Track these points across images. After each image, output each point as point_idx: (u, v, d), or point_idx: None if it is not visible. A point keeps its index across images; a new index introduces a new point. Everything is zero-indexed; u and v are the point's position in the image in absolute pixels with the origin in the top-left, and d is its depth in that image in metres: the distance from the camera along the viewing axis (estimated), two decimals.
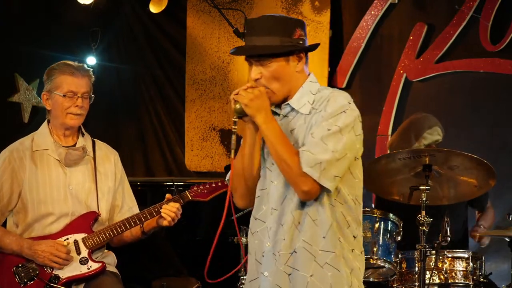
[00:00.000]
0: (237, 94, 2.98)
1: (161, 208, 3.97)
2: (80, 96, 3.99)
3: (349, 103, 2.94)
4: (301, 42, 2.98)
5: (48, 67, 4.08)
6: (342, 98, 2.95)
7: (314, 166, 2.85)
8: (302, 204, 2.93)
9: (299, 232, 2.92)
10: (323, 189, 2.89)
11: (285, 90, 3.00)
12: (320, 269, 2.90)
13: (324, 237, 2.91)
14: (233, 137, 3.00)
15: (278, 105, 3.04)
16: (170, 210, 3.96)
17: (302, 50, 3.00)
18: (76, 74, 4.00)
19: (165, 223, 3.97)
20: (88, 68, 4.10)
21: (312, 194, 2.89)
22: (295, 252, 2.92)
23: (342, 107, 2.92)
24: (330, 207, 2.92)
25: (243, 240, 4.73)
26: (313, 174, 2.85)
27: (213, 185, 4.14)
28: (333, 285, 2.90)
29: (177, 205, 3.99)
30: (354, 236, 2.97)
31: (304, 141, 2.94)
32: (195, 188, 4.12)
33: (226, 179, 3.15)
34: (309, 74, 3.05)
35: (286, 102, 3.02)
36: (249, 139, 3.03)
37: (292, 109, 3.02)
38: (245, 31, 3.03)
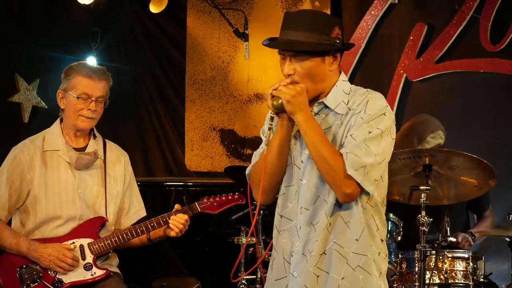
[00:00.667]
0: (275, 89, 2.89)
1: (169, 218, 3.97)
2: (94, 100, 3.97)
3: (387, 105, 2.93)
4: (338, 41, 2.93)
5: (68, 65, 4.05)
6: (381, 100, 2.93)
7: (359, 169, 2.82)
8: (337, 206, 2.89)
9: (330, 233, 2.89)
10: (362, 192, 2.87)
11: (317, 88, 2.94)
12: (352, 271, 2.88)
13: (357, 240, 2.89)
14: (268, 132, 2.92)
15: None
16: (178, 222, 3.96)
17: (339, 50, 2.96)
18: (92, 77, 3.98)
19: (172, 234, 3.97)
20: (107, 73, 4.07)
21: (353, 197, 2.86)
22: (325, 254, 2.90)
23: (382, 110, 2.90)
24: (362, 210, 2.90)
25: (242, 240, 4.73)
26: (357, 177, 2.82)
27: (223, 198, 4.14)
28: None
29: (185, 217, 3.99)
30: (381, 240, 2.97)
31: (341, 141, 2.90)
32: (205, 200, 4.11)
33: (247, 172, 3.09)
34: (340, 73, 3.01)
35: (320, 100, 2.97)
36: (284, 136, 2.94)
37: (326, 107, 2.97)
38: (282, 23, 2.95)
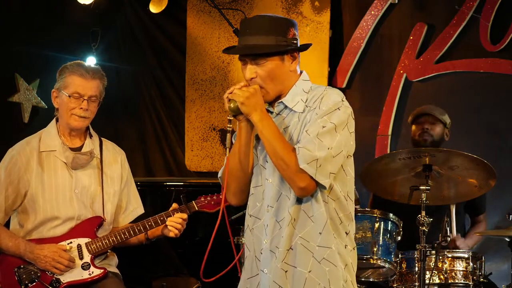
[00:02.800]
0: (231, 93, 2.99)
1: (167, 217, 3.97)
2: (86, 99, 3.95)
3: (342, 100, 2.98)
4: (294, 41, 3.03)
5: (63, 65, 4.04)
6: (336, 95, 2.99)
7: (311, 163, 2.89)
8: (298, 201, 2.97)
9: (295, 228, 2.96)
10: (318, 186, 2.93)
11: (278, 89, 3.03)
12: (318, 264, 2.94)
13: (320, 233, 2.95)
14: (228, 135, 3.02)
15: (270, 104, 3.07)
16: (176, 222, 3.96)
17: (296, 50, 3.04)
18: (85, 76, 3.95)
19: (171, 234, 3.98)
20: (101, 72, 4.04)
21: (308, 191, 2.93)
22: (292, 249, 2.96)
23: (336, 104, 2.96)
24: (324, 204, 2.97)
25: (242, 240, 4.74)
26: (310, 171, 2.89)
27: (221, 197, 4.13)
28: (330, 280, 2.95)
29: (184, 216, 4.00)
30: (346, 232, 3.02)
31: (298, 138, 2.97)
32: (202, 199, 4.12)
33: (218, 176, 3.18)
34: (301, 73, 3.09)
35: (280, 100, 3.06)
36: (244, 137, 3.04)
37: (286, 107, 3.05)
38: (240, 30, 3.05)
